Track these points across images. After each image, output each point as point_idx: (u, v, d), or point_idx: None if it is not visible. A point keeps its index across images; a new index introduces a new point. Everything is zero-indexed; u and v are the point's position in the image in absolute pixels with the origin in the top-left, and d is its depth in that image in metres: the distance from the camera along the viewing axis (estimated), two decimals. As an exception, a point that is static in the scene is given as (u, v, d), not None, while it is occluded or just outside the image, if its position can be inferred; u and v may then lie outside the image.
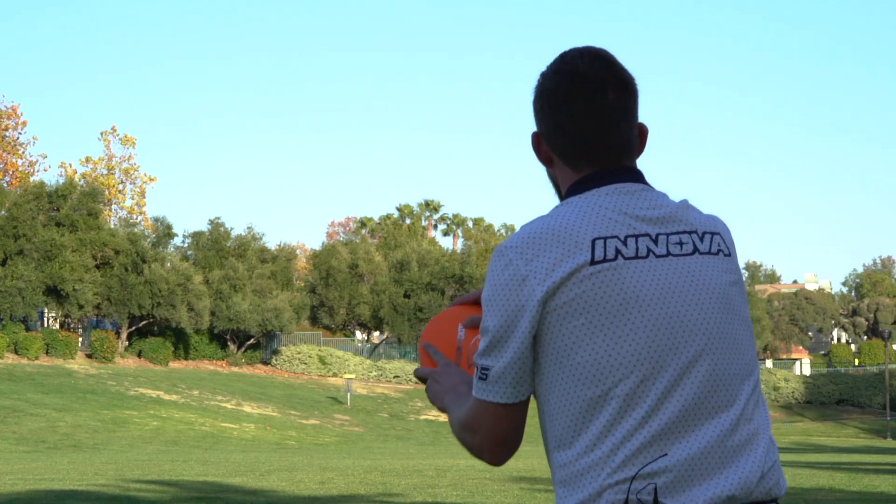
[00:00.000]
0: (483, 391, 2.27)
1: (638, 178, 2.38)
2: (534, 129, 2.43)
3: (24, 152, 71.72)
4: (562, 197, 2.44)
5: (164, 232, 60.09)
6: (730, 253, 2.38)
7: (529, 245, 2.25)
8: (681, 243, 2.32)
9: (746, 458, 2.24)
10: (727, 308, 2.31)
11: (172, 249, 61.37)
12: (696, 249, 2.33)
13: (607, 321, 2.22)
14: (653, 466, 2.18)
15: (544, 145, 2.43)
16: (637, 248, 2.28)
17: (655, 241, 2.31)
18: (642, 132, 2.43)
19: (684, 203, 2.40)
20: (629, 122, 2.38)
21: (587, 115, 2.34)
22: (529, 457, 30.13)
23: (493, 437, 2.30)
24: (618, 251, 2.26)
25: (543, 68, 2.41)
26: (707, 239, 2.36)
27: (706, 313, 2.28)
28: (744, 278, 2.42)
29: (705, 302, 2.28)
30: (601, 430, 2.20)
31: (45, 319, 61.28)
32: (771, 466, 2.28)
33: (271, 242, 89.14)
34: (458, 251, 75.00)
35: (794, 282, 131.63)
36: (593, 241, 2.26)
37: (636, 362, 2.20)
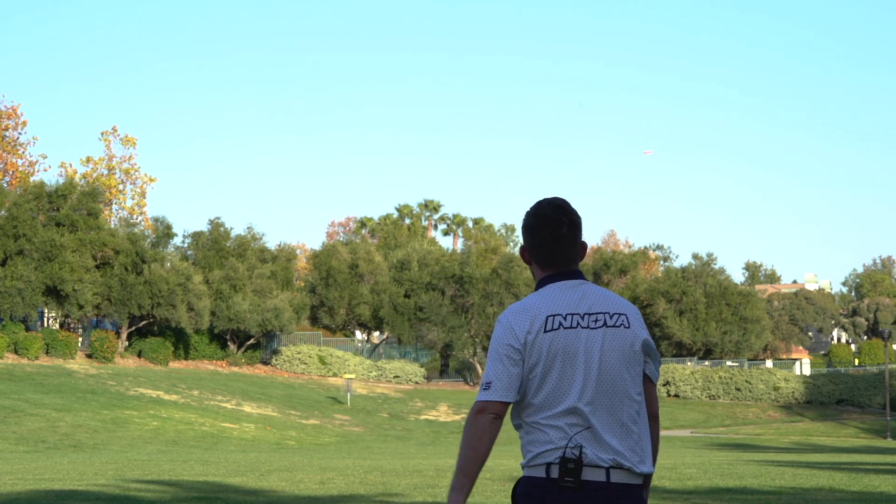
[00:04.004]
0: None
1: (578, 275, 4.28)
2: (522, 244, 4.38)
3: (24, 152, 71.69)
4: (536, 286, 4.34)
5: (164, 232, 60.04)
6: (629, 325, 4.20)
7: (516, 312, 4.20)
8: (597, 321, 4.17)
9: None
10: (621, 360, 4.18)
11: (172, 249, 61.33)
12: (605, 324, 4.18)
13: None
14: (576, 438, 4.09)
15: (526, 254, 4.36)
16: (571, 321, 4.16)
17: (582, 318, 4.17)
18: (584, 248, 4.33)
19: (602, 293, 4.24)
20: (574, 244, 4.29)
21: (549, 240, 4.28)
22: (529, 457, 30.09)
23: None
24: (560, 323, 4.16)
25: (528, 208, 4.34)
26: (615, 317, 4.20)
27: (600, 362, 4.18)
28: (640, 345, 4.28)
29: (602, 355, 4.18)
30: None
31: (45, 319, 61.24)
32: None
33: (271, 242, 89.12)
34: (458, 251, 75.00)
35: (794, 282, 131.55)
36: (546, 317, 4.16)
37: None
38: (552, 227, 4.26)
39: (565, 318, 4.16)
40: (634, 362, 4.19)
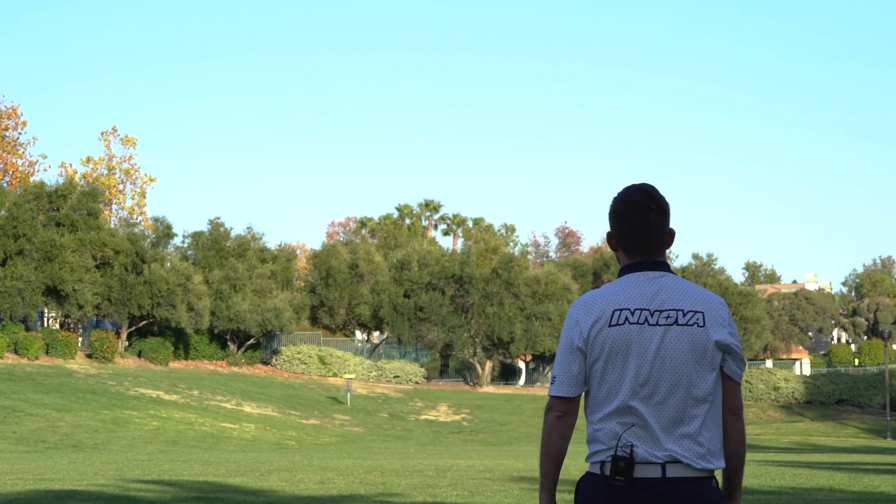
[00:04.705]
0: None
1: (661, 267, 4.16)
2: (607, 229, 4.29)
3: (24, 152, 71.71)
4: (619, 273, 4.22)
5: (164, 232, 60.04)
6: (704, 324, 4.05)
7: (584, 304, 4.14)
8: (668, 318, 4.05)
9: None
10: (692, 359, 4.05)
11: (172, 249, 61.32)
12: (675, 322, 4.05)
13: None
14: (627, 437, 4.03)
15: (613, 241, 4.26)
16: (638, 317, 4.06)
17: (651, 315, 4.05)
18: (671, 235, 4.21)
19: (682, 287, 4.12)
20: (662, 231, 4.18)
21: (637, 227, 4.16)
22: (530, 457, 30.11)
23: None
24: (626, 318, 4.06)
25: (616, 194, 4.24)
26: (689, 315, 4.05)
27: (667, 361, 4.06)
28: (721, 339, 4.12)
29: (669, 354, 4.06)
30: None
31: (45, 319, 61.24)
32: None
33: (271, 242, 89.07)
34: (458, 251, 74.97)
35: (794, 282, 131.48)
36: (613, 311, 4.07)
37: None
38: (640, 214, 4.17)
39: (633, 314, 4.07)
40: (704, 362, 4.05)
